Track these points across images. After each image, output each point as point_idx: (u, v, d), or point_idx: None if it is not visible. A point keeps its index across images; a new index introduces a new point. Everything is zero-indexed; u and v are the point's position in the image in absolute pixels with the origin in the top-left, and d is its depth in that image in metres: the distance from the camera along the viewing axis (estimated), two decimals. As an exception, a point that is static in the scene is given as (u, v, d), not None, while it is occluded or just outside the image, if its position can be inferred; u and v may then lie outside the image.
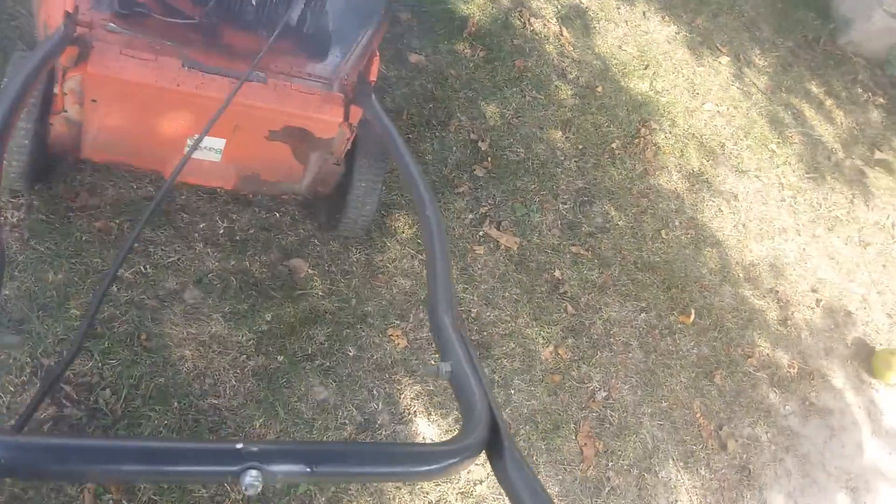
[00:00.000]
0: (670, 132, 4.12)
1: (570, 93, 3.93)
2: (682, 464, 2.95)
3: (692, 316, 3.35)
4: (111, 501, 2.07)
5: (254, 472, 0.80)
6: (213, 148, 2.37)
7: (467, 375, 1.10)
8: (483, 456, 0.99)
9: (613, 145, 3.81)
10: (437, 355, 2.72)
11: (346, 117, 2.31)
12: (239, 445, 0.81)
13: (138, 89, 2.10)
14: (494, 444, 0.98)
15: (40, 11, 2.23)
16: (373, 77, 2.29)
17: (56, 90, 2.11)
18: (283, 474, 0.83)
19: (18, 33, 2.67)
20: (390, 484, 2.42)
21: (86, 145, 2.28)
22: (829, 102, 5.12)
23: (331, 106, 2.28)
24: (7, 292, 2.23)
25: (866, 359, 3.77)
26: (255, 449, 0.81)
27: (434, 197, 1.70)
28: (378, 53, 2.37)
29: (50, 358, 2.19)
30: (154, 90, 2.11)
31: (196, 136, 2.29)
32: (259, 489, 0.80)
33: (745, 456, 3.10)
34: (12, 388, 2.12)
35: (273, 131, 2.32)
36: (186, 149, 2.34)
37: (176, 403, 2.28)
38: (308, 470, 0.84)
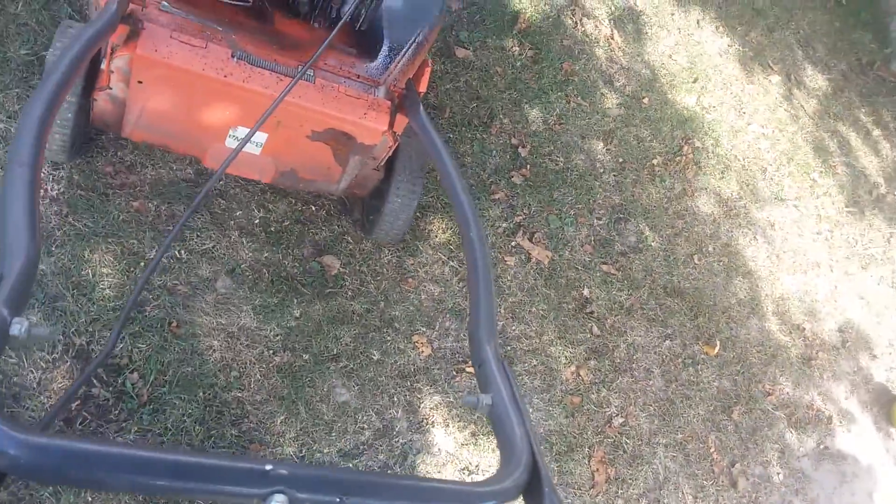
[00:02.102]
0: (713, 152, 4.04)
1: (615, 101, 3.84)
2: (690, 498, 2.95)
3: (717, 347, 3.32)
4: None
5: (280, 498, 0.76)
6: (254, 141, 2.33)
7: (508, 412, 1.05)
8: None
9: (654, 161, 3.74)
10: (459, 367, 2.71)
11: (391, 126, 2.26)
12: (269, 467, 0.77)
13: (185, 76, 2.06)
14: (534, 488, 0.94)
15: None
16: (422, 88, 2.23)
17: (103, 66, 2.08)
18: (312, 502, 0.79)
19: (67, 1, 2.62)
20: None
21: (127, 124, 2.25)
22: (876, 133, 5.00)
23: (377, 113, 2.23)
24: (44, 267, 2.23)
25: (886, 405, 3.74)
26: (284, 472, 0.77)
27: (479, 218, 1.64)
28: (430, 63, 2.31)
29: (81, 337, 2.19)
30: (201, 79, 2.07)
31: (237, 127, 2.26)
32: None
33: (754, 495, 3.10)
34: (43, 365, 2.13)
35: (315, 132, 2.28)
36: (228, 139, 2.31)
37: (201, 393, 2.29)
38: (337, 500, 0.80)
